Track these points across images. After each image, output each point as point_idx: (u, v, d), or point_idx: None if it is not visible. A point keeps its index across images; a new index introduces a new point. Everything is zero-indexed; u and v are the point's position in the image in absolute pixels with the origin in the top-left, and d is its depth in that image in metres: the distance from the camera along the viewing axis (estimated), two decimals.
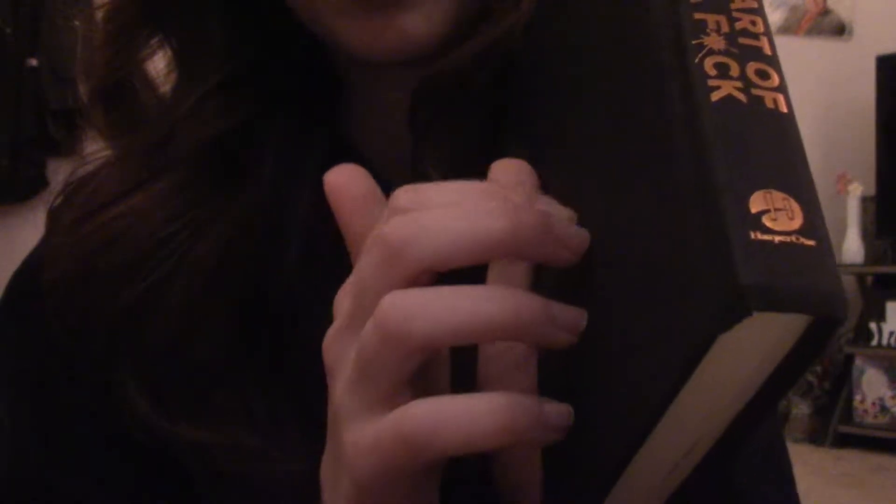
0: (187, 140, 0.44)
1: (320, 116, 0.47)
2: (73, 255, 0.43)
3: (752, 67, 0.24)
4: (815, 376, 3.68)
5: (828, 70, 3.95)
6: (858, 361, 3.61)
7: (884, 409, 3.55)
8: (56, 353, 0.44)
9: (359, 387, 0.29)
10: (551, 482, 0.33)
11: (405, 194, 0.30)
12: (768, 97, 0.24)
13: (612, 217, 0.28)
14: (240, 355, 0.43)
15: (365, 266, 0.29)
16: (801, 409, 3.65)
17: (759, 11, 0.25)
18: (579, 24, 0.32)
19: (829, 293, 0.21)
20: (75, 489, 0.44)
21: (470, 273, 0.29)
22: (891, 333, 3.56)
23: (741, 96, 0.23)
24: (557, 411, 0.28)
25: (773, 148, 0.23)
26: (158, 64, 0.46)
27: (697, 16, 0.25)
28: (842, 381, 3.64)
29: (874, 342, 3.59)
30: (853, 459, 3.41)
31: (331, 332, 0.31)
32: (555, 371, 0.31)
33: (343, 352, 0.30)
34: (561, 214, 0.30)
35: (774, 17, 3.94)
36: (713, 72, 0.24)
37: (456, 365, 0.31)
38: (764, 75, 0.24)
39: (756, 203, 0.22)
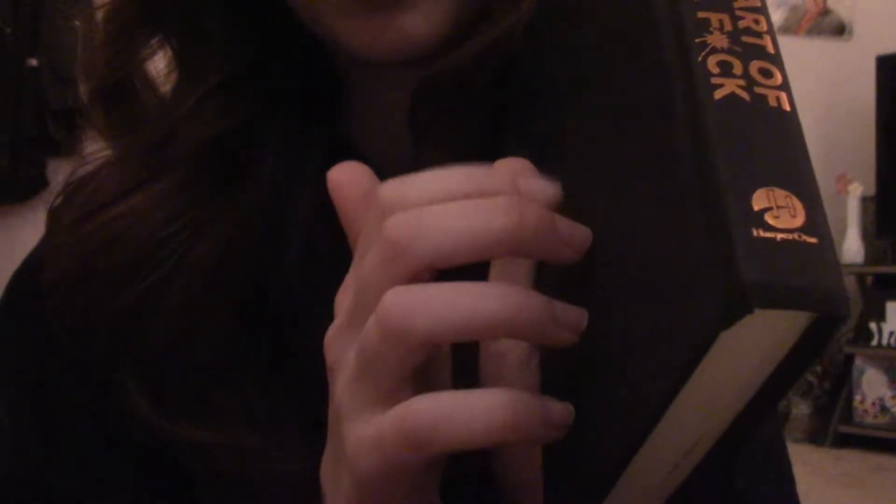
0: (187, 140, 0.44)
1: (320, 116, 0.47)
2: (73, 255, 0.43)
3: (755, 66, 0.24)
4: (815, 376, 3.68)
5: (828, 70, 3.95)
6: (858, 361, 3.61)
7: (884, 409, 3.55)
8: (56, 353, 0.44)
9: (360, 384, 0.29)
10: (551, 482, 0.33)
11: (392, 189, 0.30)
12: (771, 95, 0.24)
13: (614, 216, 0.28)
14: (240, 355, 0.43)
15: (365, 263, 0.29)
16: (801, 409, 3.65)
17: (763, 10, 0.25)
18: (580, 24, 0.32)
19: (831, 291, 0.21)
20: (75, 489, 0.44)
21: (472, 269, 0.28)
22: (891, 333, 3.57)
23: (744, 94, 0.23)
24: (559, 409, 0.28)
25: (776, 146, 0.23)
26: (159, 64, 0.46)
27: (700, 14, 0.25)
28: (842, 381, 3.64)
29: (874, 342, 3.59)
30: (853, 459, 3.41)
31: (331, 330, 0.31)
32: (555, 370, 0.31)
33: (344, 349, 0.30)
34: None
35: (775, 17, 3.94)
36: (716, 70, 0.24)
37: (457, 363, 0.31)
38: (767, 74, 0.24)
39: (758, 201, 0.22)
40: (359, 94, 0.47)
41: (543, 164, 0.33)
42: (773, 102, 0.24)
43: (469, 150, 0.40)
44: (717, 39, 0.24)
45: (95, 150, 0.47)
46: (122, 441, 0.43)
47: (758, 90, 0.24)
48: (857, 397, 3.59)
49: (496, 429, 0.27)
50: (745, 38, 0.24)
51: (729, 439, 0.26)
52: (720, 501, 0.36)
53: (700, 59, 0.24)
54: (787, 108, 0.24)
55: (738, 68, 0.24)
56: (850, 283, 3.75)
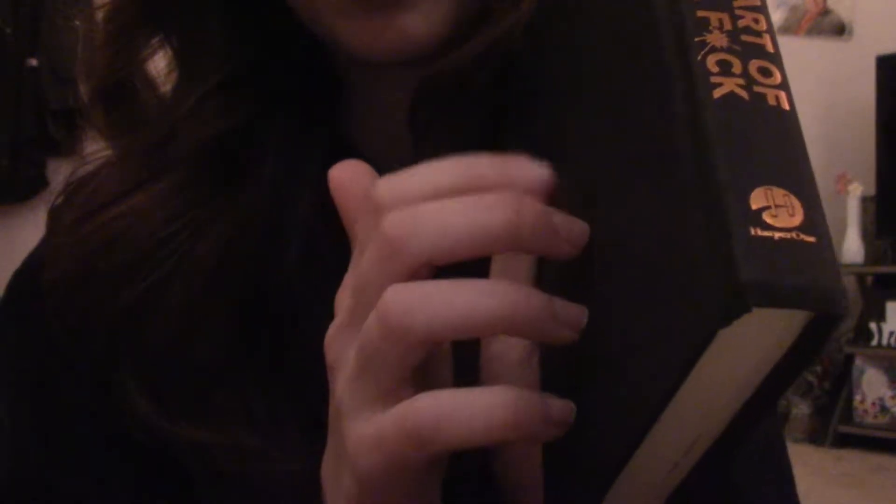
0: (187, 140, 0.44)
1: (320, 116, 0.47)
2: (73, 255, 0.43)
3: (754, 65, 0.24)
4: (815, 376, 3.68)
5: (828, 70, 3.95)
6: (858, 361, 3.61)
7: (884, 409, 3.55)
8: (56, 353, 0.44)
9: (360, 382, 0.29)
10: (551, 480, 0.33)
11: (387, 186, 0.30)
12: (770, 94, 0.24)
13: (614, 215, 0.28)
14: (240, 355, 0.43)
15: (364, 262, 0.29)
16: (801, 409, 3.65)
17: (762, 9, 0.25)
18: (580, 23, 0.32)
19: (829, 289, 0.21)
20: (75, 489, 0.44)
21: (472, 266, 0.28)
22: (891, 333, 3.56)
23: (743, 93, 0.23)
24: (560, 406, 0.28)
25: (775, 145, 0.23)
26: (159, 64, 0.46)
27: (700, 13, 0.25)
28: (842, 381, 3.64)
29: (874, 342, 3.59)
30: (853, 459, 3.41)
31: (331, 329, 0.31)
32: (555, 368, 0.31)
33: (344, 348, 0.30)
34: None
35: (775, 17, 3.94)
36: (715, 69, 0.24)
37: (458, 362, 0.31)
38: (766, 73, 0.24)
39: (757, 200, 0.22)
40: (359, 94, 0.47)
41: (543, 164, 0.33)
42: (772, 101, 0.24)
43: (469, 150, 0.40)
44: (717, 38, 0.24)
45: (95, 150, 0.47)
46: (122, 441, 0.43)
47: (757, 89, 0.24)
48: (857, 397, 3.59)
49: (498, 427, 0.27)
50: (744, 37, 0.24)
51: (728, 438, 0.26)
52: (719, 500, 0.36)
53: (699, 58, 0.24)
54: (787, 107, 0.24)
55: (737, 67, 0.24)
56: (850, 283, 3.75)
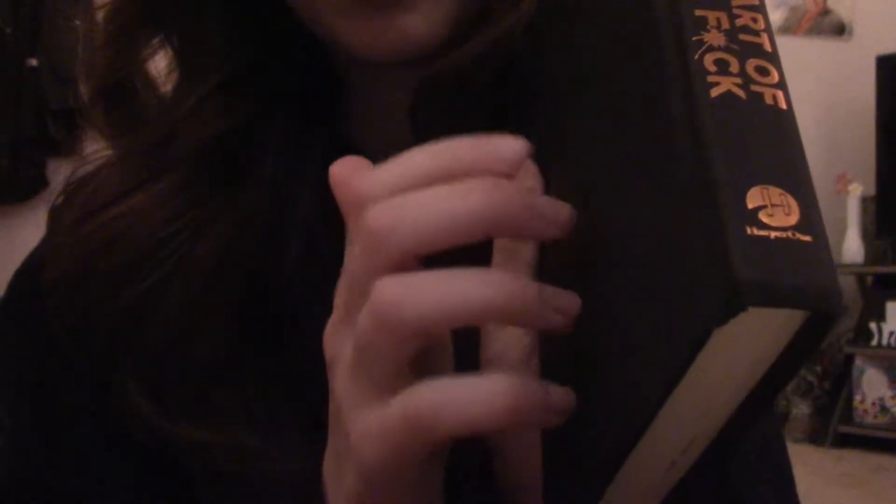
0: (188, 140, 0.44)
1: (320, 116, 0.47)
2: (73, 255, 0.43)
3: (751, 64, 0.24)
4: (815, 376, 3.68)
5: (828, 70, 3.95)
6: (858, 361, 3.61)
7: (884, 409, 3.55)
8: (56, 353, 0.44)
9: (358, 376, 0.29)
10: (550, 479, 0.33)
11: (369, 179, 0.30)
12: (768, 93, 0.24)
13: (613, 214, 0.28)
14: (240, 355, 0.43)
15: (352, 257, 0.29)
16: (801, 409, 3.65)
17: (760, 8, 0.25)
18: (580, 23, 0.32)
19: (826, 289, 0.21)
20: (75, 489, 0.44)
21: (472, 262, 0.28)
22: (891, 333, 3.56)
23: (740, 92, 0.24)
24: (560, 394, 0.28)
25: (772, 144, 0.23)
26: (160, 64, 0.47)
27: (698, 12, 0.25)
28: (842, 381, 3.64)
29: (874, 342, 3.59)
30: (853, 459, 3.41)
31: (329, 326, 0.31)
32: (555, 368, 0.31)
33: (341, 344, 0.30)
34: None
35: (774, 17, 3.94)
36: (713, 68, 0.24)
37: (460, 359, 0.31)
38: (764, 72, 0.24)
39: (753, 199, 0.22)
40: (359, 95, 0.47)
41: (543, 164, 0.33)
42: (769, 100, 0.24)
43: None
44: (715, 37, 0.24)
45: (95, 150, 0.47)
46: (122, 441, 0.43)
47: (754, 88, 0.24)
48: (857, 397, 3.59)
49: (498, 413, 0.27)
50: (742, 36, 0.24)
51: (725, 437, 0.26)
52: (718, 500, 0.36)
53: (697, 56, 0.24)
54: (784, 106, 0.24)
55: (734, 66, 0.24)
56: (850, 283, 3.75)
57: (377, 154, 0.45)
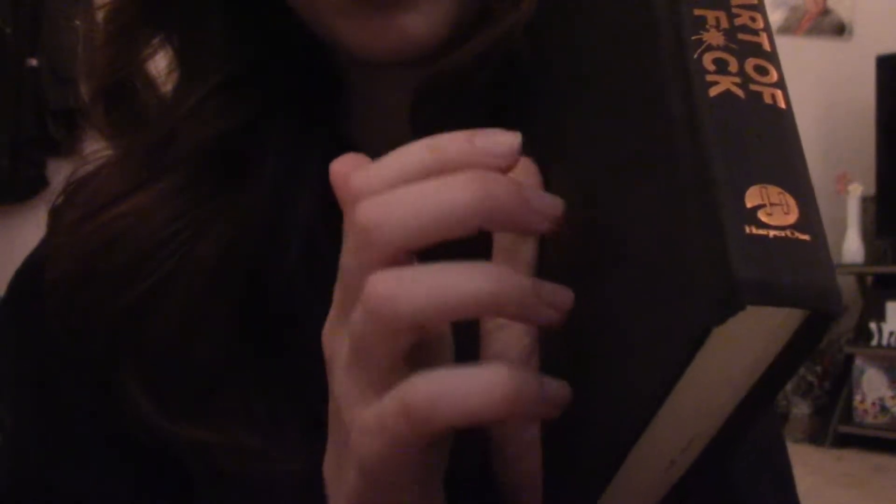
0: (188, 140, 0.44)
1: (321, 116, 0.47)
2: (73, 255, 0.43)
3: (750, 63, 0.24)
4: (815, 376, 3.68)
5: (828, 70, 3.95)
6: (858, 361, 3.61)
7: (884, 409, 3.55)
8: (57, 353, 0.44)
9: (355, 372, 0.29)
10: (550, 478, 0.33)
11: (361, 176, 0.30)
12: (767, 93, 0.24)
13: (613, 214, 0.28)
14: (240, 355, 0.43)
15: (344, 254, 0.29)
16: (801, 409, 3.65)
17: (759, 8, 0.25)
18: (580, 23, 0.33)
19: (824, 287, 0.21)
20: (76, 489, 0.44)
21: (470, 257, 0.28)
22: (891, 333, 3.56)
23: (739, 92, 0.24)
24: (556, 385, 0.28)
25: (771, 143, 0.23)
26: (160, 63, 0.47)
27: (697, 12, 0.25)
28: (842, 381, 3.64)
29: (874, 342, 3.59)
30: (853, 459, 3.41)
31: (326, 325, 0.31)
32: (554, 368, 0.31)
33: (338, 341, 0.30)
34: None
35: (774, 17, 3.94)
36: (712, 67, 0.24)
37: (461, 351, 0.31)
38: (763, 71, 0.24)
39: (752, 198, 0.22)
40: (359, 95, 0.47)
41: (544, 164, 0.33)
42: (768, 100, 0.24)
43: None
44: (714, 37, 0.24)
45: (96, 150, 0.47)
46: (123, 441, 0.43)
47: (753, 87, 0.24)
48: (857, 397, 3.59)
49: (494, 403, 0.27)
50: (741, 36, 0.24)
51: (724, 436, 0.26)
52: (717, 500, 0.36)
53: (696, 56, 0.24)
54: (783, 105, 0.24)
55: (733, 66, 0.24)
56: (850, 283, 3.75)
57: (377, 154, 0.45)
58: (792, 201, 0.22)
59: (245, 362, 0.43)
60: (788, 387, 3.59)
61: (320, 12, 0.40)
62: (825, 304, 0.21)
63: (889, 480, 3.19)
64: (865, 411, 3.58)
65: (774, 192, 0.22)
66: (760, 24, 0.25)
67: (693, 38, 0.24)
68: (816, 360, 3.65)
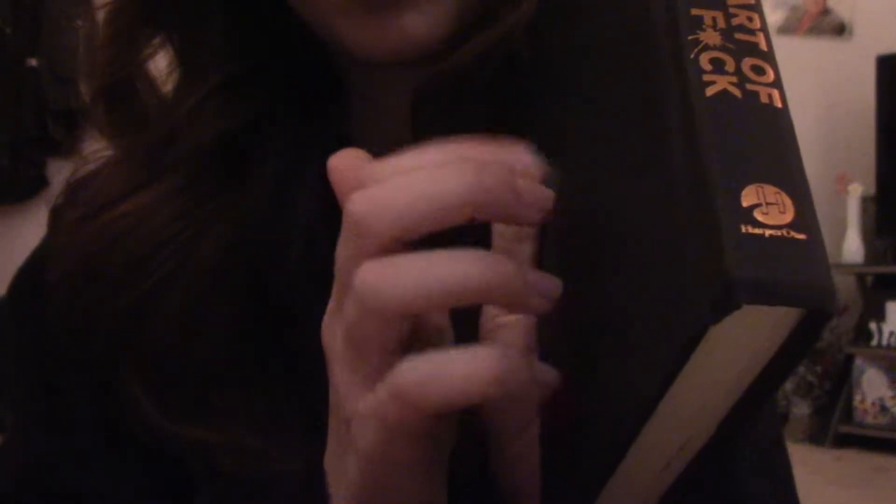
0: (188, 140, 0.44)
1: (321, 117, 0.47)
2: (75, 256, 0.43)
3: (747, 63, 0.24)
4: (815, 376, 3.68)
5: (828, 70, 3.95)
6: (858, 361, 3.61)
7: (884, 409, 3.55)
8: (58, 353, 0.44)
9: (351, 361, 0.29)
10: (548, 479, 0.33)
11: (366, 170, 0.30)
12: (763, 92, 0.24)
13: (611, 213, 0.28)
14: (241, 355, 0.43)
15: (339, 245, 0.29)
16: (801, 409, 3.65)
17: (756, 7, 0.25)
18: (580, 22, 0.33)
19: (820, 286, 0.21)
20: (77, 489, 0.44)
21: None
22: (891, 333, 3.56)
23: (736, 91, 0.24)
24: (545, 368, 0.28)
25: (767, 142, 0.23)
26: (160, 63, 0.47)
27: (694, 11, 0.25)
28: (842, 381, 3.64)
29: (874, 342, 3.59)
30: (853, 459, 3.41)
31: (325, 317, 0.31)
32: (554, 366, 0.31)
33: (335, 333, 0.30)
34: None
35: (774, 17, 3.94)
36: (708, 67, 0.24)
37: (461, 342, 0.31)
38: (759, 71, 0.24)
39: (748, 197, 0.22)
40: (359, 95, 0.47)
41: (544, 163, 0.33)
42: (764, 99, 0.24)
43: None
44: (710, 37, 0.24)
45: (96, 149, 0.47)
46: (124, 441, 0.43)
47: (749, 87, 0.24)
48: (857, 397, 3.59)
49: (482, 383, 0.27)
50: (738, 36, 0.25)
51: (721, 437, 0.26)
52: (717, 500, 0.36)
53: (693, 56, 0.24)
54: (779, 104, 0.24)
55: (730, 65, 0.24)
56: (849, 283, 3.75)
57: (378, 154, 0.45)
58: (788, 200, 0.22)
59: (245, 362, 0.43)
60: (788, 387, 3.59)
61: (320, 12, 0.40)
62: (821, 303, 0.21)
63: (889, 480, 3.19)
64: (865, 411, 3.58)
65: (771, 192, 0.22)
66: (757, 24, 0.25)
67: (690, 37, 0.24)
68: (816, 360, 3.65)
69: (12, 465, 0.46)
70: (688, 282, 0.22)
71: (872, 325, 3.60)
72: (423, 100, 0.41)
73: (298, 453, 0.39)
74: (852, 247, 3.71)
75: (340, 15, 0.39)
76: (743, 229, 0.21)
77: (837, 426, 3.57)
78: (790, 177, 0.23)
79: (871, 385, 3.58)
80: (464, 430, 0.32)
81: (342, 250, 0.29)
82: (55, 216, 0.46)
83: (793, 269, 0.21)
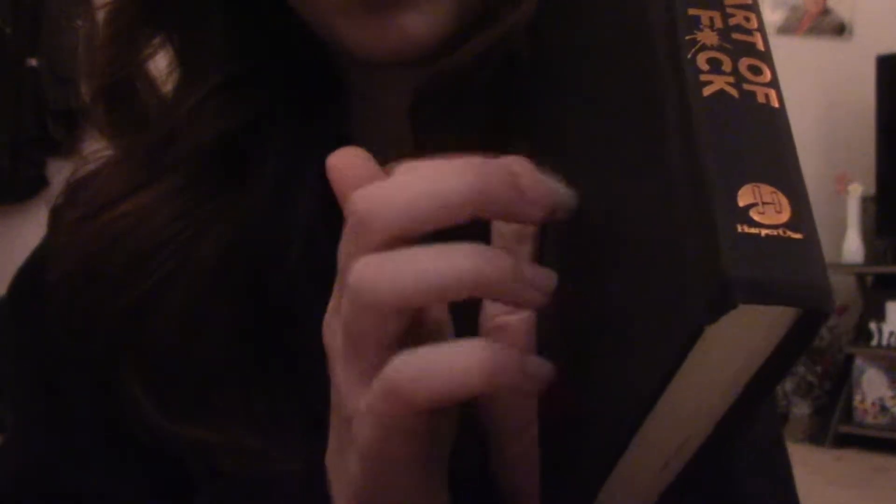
0: (188, 140, 0.44)
1: (321, 116, 0.47)
2: (74, 256, 0.43)
3: (744, 63, 0.24)
4: (815, 376, 3.68)
5: (828, 70, 3.95)
6: (858, 361, 3.61)
7: (884, 409, 3.55)
8: (58, 353, 0.44)
9: (349, 358, 0.29)
10: (547, 478, 0.33)
11: (368, 170, 0.30)
12: (760, 92, 0.24)
13: (611, 213, 0.28)
14: (241, 355, 0.43)
15: (342, 242, 0.29)
16: (801, 409, 3.65)
17: (753, 7, 0.25)
18: (579, 22, 0.33)
19: (817, 286, 0.21)
20: (77, 489, 0.44)
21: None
22: (891, 333, 3.56)
23: (733, 91, 0.24)
24: (536, 361, 0.28)
25: (764, 142, 0.23)
26: (160, 63, 0.47)
27: (691, 11, 0.25)
28: (842, 381, 3.64)
29: (874, 342, 3.59)
30: (853, 459, 3.41)
31: (326, 315, 0.31)
32: (553, 364, 0.31)
33: (335, 331, 0.30)
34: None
35: (774, 17, 3.94)
36: (706, 67, 0.24)
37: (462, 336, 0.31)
38: (756, 71, 0.24)
39: (744, 197, 0.22)
40: (359, 95, 0.47)
41: (545, 164, 0.33)
42: (761, 99, 0.24)
43: (471, 150, 0.40)
44: (708, 36, 0.24)
45: (96, 149, 0.47)
46: (124, 441, 0.43)
47: (746, 87, 0.24)
48: (857, 397, 3.59)
49: (473, 375, 0.27)
50: (735, 36, 0.25)
51: (718, 436, 0.26)
52: (717, 500, 0.36)
53: (690, 55, 0.24)
54: (776, 104, 0.24)
55: (727, 65, 0.24)
56: (849, 283, 3.75)
57: (377, 154, 0.45)
58: (784, 200, 0.22)
59: (245, 362, 0.43)
60: (788, 387, 3.59)
61: (320, 12, 0.40)
62: (817, 303, 0.21)
63: (889, 481, 3.19)
64: (865, 411, 3.58)
65: (767, 191, 0.22)
66: (755, 24, 0.25)
67: (687, 37, 0.24)
68: (816, 360, 3.65)
69: (12, 465, 0.46)
70: (685, 281, 0.22)
71: (872, 325, 3.60)
72: (423, 100, 0.41)
73: (298, 453, 0.39)
74: (852, 247, 3.71)
75: (340, 15, 0.39)
76: (739, 229, 0.21)
77: (837, 426, 3.57)
78: (786, 176, 0.23)
79: (871, 385, 3.58)
80: (464, 430, 0.32)
81: (344, 248, 0.29)
82: (55, 216, 0.46)
83: (789, 269, 0.21)
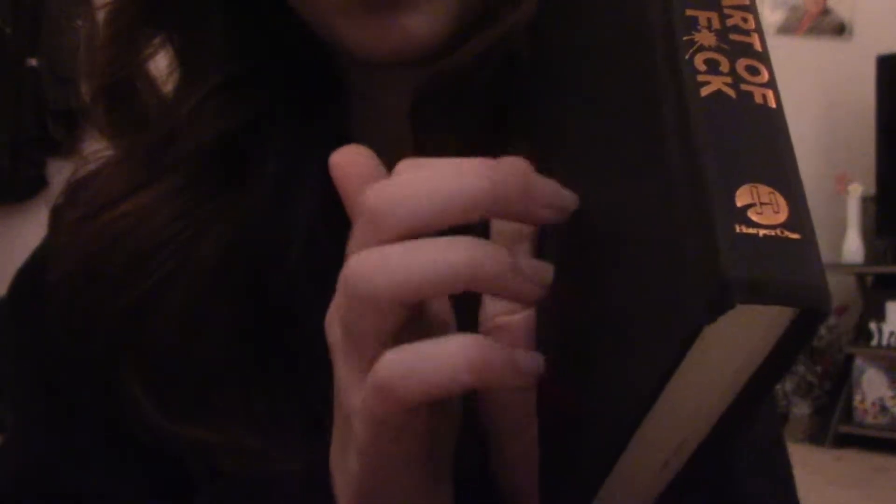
0: (188, 140, 0.44)
1: (321, 116, 0.47)
2: (75, 256, 0.43)
3: (742, 63, 0.24)
4: (815, 376, 3.68)
5: (828, 70, 3.95)
6: (858, 361, 3.61)
7: (884, 409, 3.55)
8: (58, 353, 0.44)
9: (349, 354, 0.29)
10: (546, 478, 0.33)
11: (375, 168, 0.30)
12: (758, 93, 0.24)
13: (609, 213, 0.28)
14: (241, 355, 0.43)
15: (352, 237, 0.29)
16: (801, 409, 3.65)
17: (751, 8, 0.25)
18: (579, 23, 0.33)
19: (814, 286, 0.21)
20: (77, 489, 0.44)
21: None
22: (891, 333, 3.56)
23: (730, 92, 0.24)
24: (526, 355, 0.28)
25: (761, 142, 0.23)
26: (160, 63, 0.47)
27: (689, 12, 0.25)
28: (842, 381, 3.64)
29: (874, 342, 3.59)
30: (853, 459, 3.41)
31: (328, 314, 0.31)
32: (553, 365, 0.32)
33: (336, 327, 0.30)
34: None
35: (774, 17, 3.94)
36: (703, 68, 0.24)
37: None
38: (754, 71, 0.24)
39: (742, 197, 0.22)
40: (359, 95, 0.47)
41: (545, 164, 0.33)
42: (759, 99, 0.24)
43: (471, 150, 0.40)
44: (705, 37, 0.24)
45: (96, 150, 0.47)
46: (124, 441, 0.43)
47: (744, 87, 0.24)
48: (857, 397, 3.59)
49: (462, 370, 0.27)
50: (732, 36, 0.25)
51: (718, 436, 0.26)
52: (717, 500, 0.36)
53: (688, 56, 0.24)
54: (773, 105, 0.24)
55: (724, 66, 0.24)
56: (849, 283, 3.75)
57: (377, 154, 0.45)
58: (782, 200, 0.22)
59: (245, 362, 0.43)
60: (788, 387, 3.59)
61: (320, 12, 0.40)
62: (815, 303, 0.21)
63: (889, 480, 3.19)
64: (865, 411, 3.58)
65: (765, 191, 0.22)
66: (752, 25, 0.25)
67: (685, 38, 0.24)
68: (816, 360, 3.65)
69: (12, 465, 0.46)
70: (683, 281, 0.22)
71: (872, 325, 3.60)
72: (423, 100, 0.41)
73: (298, 453, 0.39)
74: (852, 247, 3.71)
75: (340, 15, 0.39)
76: (737, 229, 0.22)
77: (837, 426, 3.57)
78: (784, 177, 0.23)
79: (871, 385, 3.59)
80: (464, 430, 0.32)
81: (354, 243, 0.29)
82: (55, 216, 0.46)
83: (787, 269, 0.21)
